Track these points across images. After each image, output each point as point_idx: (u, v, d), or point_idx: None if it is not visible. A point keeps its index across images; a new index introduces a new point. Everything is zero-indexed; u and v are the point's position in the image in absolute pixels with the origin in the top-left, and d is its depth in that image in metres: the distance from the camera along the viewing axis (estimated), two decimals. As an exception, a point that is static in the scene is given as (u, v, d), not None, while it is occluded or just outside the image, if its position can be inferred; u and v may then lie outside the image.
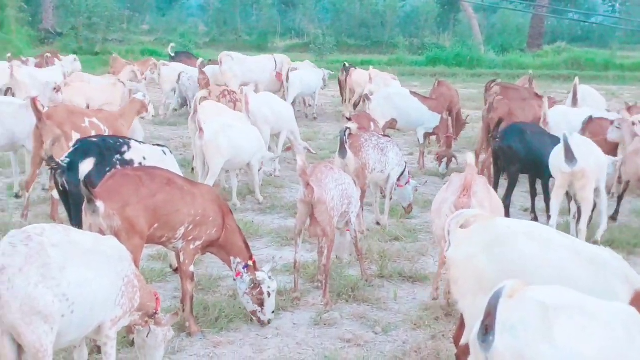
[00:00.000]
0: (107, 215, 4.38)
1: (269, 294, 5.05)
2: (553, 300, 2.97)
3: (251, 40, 38.41)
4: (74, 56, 16.34)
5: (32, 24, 31.48)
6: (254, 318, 5.13)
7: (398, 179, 7.55)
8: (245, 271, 5.08)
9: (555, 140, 7.90)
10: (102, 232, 4.38)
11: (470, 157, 5.25)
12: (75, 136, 7.34)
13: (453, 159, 10.35)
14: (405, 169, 7.61)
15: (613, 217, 7.95)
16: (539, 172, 7.74)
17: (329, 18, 44.87)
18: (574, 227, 7.03)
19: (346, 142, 6.93)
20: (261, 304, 5.06)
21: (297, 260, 5.53)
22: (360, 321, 5.28)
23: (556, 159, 6.58)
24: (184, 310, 5.04)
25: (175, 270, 5.86)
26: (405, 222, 7.83)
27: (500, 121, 8.09)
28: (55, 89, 10.26)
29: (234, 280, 5.19)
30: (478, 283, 3.91)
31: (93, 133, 7.29)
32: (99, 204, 4.33)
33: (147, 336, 4.03)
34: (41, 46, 28.62)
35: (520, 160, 7.62)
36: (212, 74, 14.04)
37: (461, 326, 4.26)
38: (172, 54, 17.62)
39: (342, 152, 6.93)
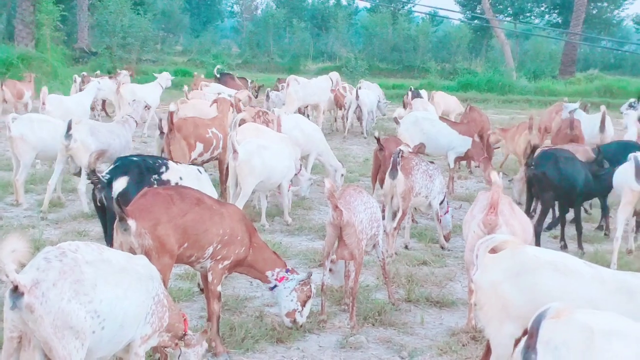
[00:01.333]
0: (139, 234, 4.42)
1: (314, 294, 5.20)
2: (601, 325, 2.98)
3: (283, 63, 38.81)
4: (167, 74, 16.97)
5: (67, 43, 32.20)
6: (289, 320, 5.13)
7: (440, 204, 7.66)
8: (290, 274, 5.16)
9: (586, 167, 7.90)
10: (132, 251, 4.42)
11: (495, 176, 5.24)
12: (199, 146, 8.69)
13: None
14: (445, 197, 7.72)
15: None
16: (571, 199, 7.74)
17: (361, 42, 45.25)
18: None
19: (398, 164, 7.04)
20: (304, 303, 5.14)
21: (324, 282, 5.54)
22: (386, 345, 5.25)
23: (624, 177, 7.11)
24: (210, 330, 5.07)
25: (202, 290, 5.90)
26: (433, 247, 7.80)
27: (535, 148, 8.05)
28: (146, 107, 11.47)
29: (273, 289, 5.17)
30: (504, 310, 3.91)
31: (214, 142, 8.93)
32: (131, 222, 4.37)
33: (178, 358, 4.06)
34: (76, 65, 29.27)
35: (554, 187, 7.60)
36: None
37: (487, 352, 4.23)
38: (218, 75, 18.04)
39: (393, 173, 7.14)
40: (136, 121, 9.67)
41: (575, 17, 33.24)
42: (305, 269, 6.79)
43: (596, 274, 3.88)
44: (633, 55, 41.45)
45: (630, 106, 15.22)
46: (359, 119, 16.75)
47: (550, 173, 7.59)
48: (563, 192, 7.65)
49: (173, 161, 6.44)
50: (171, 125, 8.48)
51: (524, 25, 46.50)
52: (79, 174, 8.74)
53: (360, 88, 17.13)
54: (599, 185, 7.90)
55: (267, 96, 17.23)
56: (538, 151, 8.11)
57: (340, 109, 17.15)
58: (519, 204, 9.17)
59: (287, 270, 5.21)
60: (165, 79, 16.34)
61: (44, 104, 11.77)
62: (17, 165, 9.03)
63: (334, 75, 17.30)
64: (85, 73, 16.75)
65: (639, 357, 2.89)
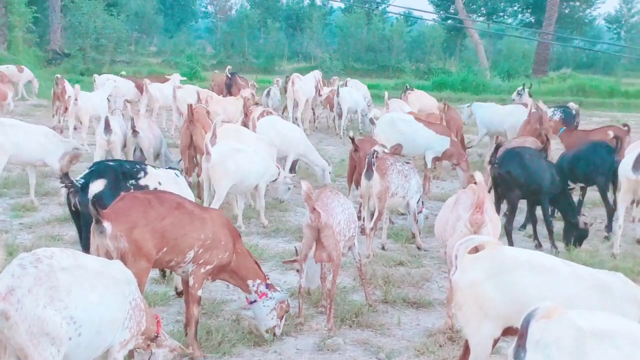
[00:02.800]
0: (114, 236, 4.40)
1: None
2: (592, 325, 3.01)
3: (258, 63, 38.66)
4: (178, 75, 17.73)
5: (39, 44, 31.75)
6: (268, 335, 5.20)
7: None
8: (270, 290, 5.19)
9: (550, 165, 7.98)
10: (108, 254, 4.40)
11: (478, 175, 5.29)
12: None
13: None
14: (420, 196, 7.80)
15: None
16: (538, 197, 7.79)
17: (335, 42, 45.23)
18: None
19: (373, 165, 7.07)
20: (282, 317, 5.24)
21: (301, 285, 5.54)
22: (363, 347, 5.26)
23: (623, 167, 7.62)
24: (186, 335, 5.04)
25: (179, 294, 5.87)
26: (409, 247, 7.83)
27: (498, 146, 8.10)
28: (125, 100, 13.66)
29: (252, 303, 5.19)
30: (482, 310, 3.94)
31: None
32: (107, 225, 4.35)
33: (148, 359, 4.04)
34: (48, 67, 28.88)
35: (519, 185, 7.63)
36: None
37: (466, 352, 4.26)
38: (229, 75, 18.14)
39: (369, 174, 7.19)
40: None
41: (547, 17, 33.58)
42: (282, 271, 6.82)
43: (573, 271, 3.92)
44: (605, 54, 42.03)
45: (518, 94, 16.76)
46: (339, 116, 16.80)
47: (515, 171, 7.62)
48: (528, 190, 7.70)
49: (151, 166, 6.37)
50: (192, 116, 9.51)
51: (497, 25, 46.91)
52: None
53: (344, 86, 17.22)
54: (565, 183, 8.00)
55: (267, 93, 17.59)
56: (501, 149, 8.15)
57: (331, 109, 17.28)
58: None
59: (267, 285, 5.21)
60: (177, 79, 16.86)
61: (76, 99, 12.88)
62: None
63: (317, 73, 17.72)
64: (58, 75, 16.48)
65: (629, 357, 2.92)
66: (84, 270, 3.45)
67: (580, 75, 34.18)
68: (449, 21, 42.66)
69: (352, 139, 8.63)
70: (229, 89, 17.67)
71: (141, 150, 9.79)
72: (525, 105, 13.33)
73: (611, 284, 3.81)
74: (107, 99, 14.33)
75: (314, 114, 18.15)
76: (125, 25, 35.17)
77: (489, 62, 36.24)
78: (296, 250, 5.94)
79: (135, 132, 9.64)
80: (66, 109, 15.67)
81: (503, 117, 13.16)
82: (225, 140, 8.49)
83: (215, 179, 7.84)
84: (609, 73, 38.48)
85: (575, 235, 7.85)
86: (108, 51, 31.00)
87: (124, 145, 9.97)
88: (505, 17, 50.95)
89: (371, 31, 40.50)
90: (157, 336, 4.02)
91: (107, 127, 9.53)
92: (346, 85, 18.31)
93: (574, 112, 13.42)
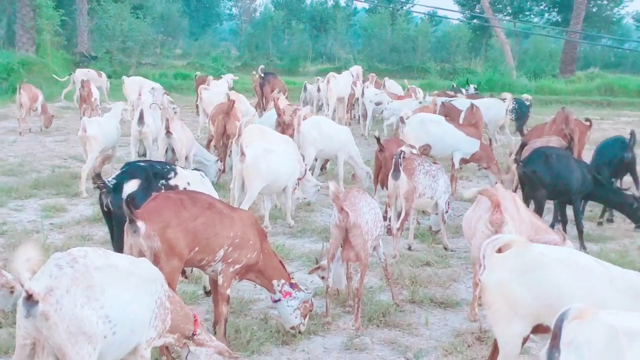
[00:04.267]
0: (148, 235, 4.47)
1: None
2: (626, 325, 2.99)
3: (282, 65, 38.78)
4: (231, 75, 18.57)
5: (67, 47, 32.19)
6: (294, 331, 5.27)
7: None
8: (294, 289, 5.24)
9: (581, 164, 7.90)
10: (142, 253, 4.47)
11: (504, 177, 5.31)
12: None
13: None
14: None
15: None
16: (568, 196, 7.71)
17: (360, 43, 45.21)
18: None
19: (401, 165, 7.07)
20: (306, 316, 5.29)
21: (329, 284, 5.55)
22: (391, 346, 5.27)
23: None
24: (215, 333, 5.09)
25: (207, 293, 5.93)
26: (436, 248, 7.82)
27: (523, 145, 8.04)
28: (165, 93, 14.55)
29: (276, 302, 5.26)
30: (512, 309, 3.94)
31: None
32: (140, 224, 4.42)
33: (186, 358, 4.08)
34: (76, 69, 29.25)
35: (544, 185, 7.56)
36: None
37: (494, 351, 4.25)
38: (262, 74, 18.34)
39: (396, 174, 7.19)
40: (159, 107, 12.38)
41: (575, 16, 33.20)
42: (307, 271, 6.83)
43: (605, 271, 3.89)
44: (633, 53, 41.46)
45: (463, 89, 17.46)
46: (364, 116, 16.83)
47: (540, 171, 7.56)
48: (555, 190, 7.63)
49: (180, 166, 6.45)
50: (229, 110, 11.02)
51: (523, 24, 46.48)
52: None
53: (367, 86, 17.26)
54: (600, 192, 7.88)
55: (305, 88, 18.05)
56: (527, 148, 8.08)
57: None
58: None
59: (291, 285, 5.26)
60: (230, 78, 17.78)
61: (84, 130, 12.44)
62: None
63: (355, 69, 17.92)
64: (84, 78, 16.72)
65: None
66: (116, 269, 3.50)
67: (608, 74, 33.77)
68: (475, 20, 42.34)
69: (378, 139, 8.63)
70: (262, 88, 17.78)
71: (173, 150, 9.99)
72: (504, 99, 13.92)
73: None
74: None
75: (351, 112, 18.19)
76: (151, 28, 35.51)
77: (515, 62, 35.92)
78: (316, 259, 5.99)
79: (168, 132, 9.83)
80: (93, 110, 15.98)
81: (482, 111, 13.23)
82: (251, 141, 8.55)
83: (249, 180, 7.95)
84: (638, 72, 37.94)
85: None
86: (134, 54, 31.30)
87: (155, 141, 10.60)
88: (532, 16, 50.44)
89: (395, 31, 40.40)
90: (194, 334, 4.06)
91: (141, 119, 10.53)
92: (384, 85, 18.33)
93: (527, 103, 13.95)
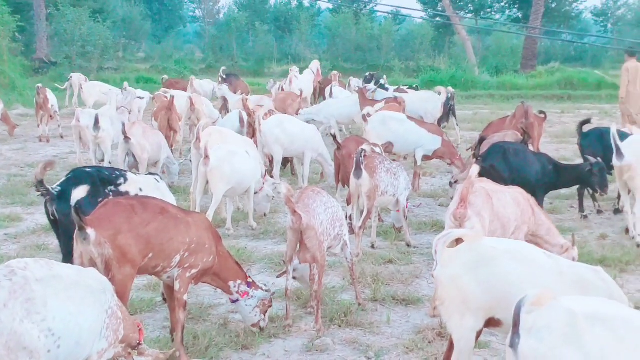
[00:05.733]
0: (98, 243, 4.35)
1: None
2: (585, 309, 3.01)
3: (248, 66, 38.58)
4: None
5: (25, 53, 31.55)
6: (254, 328, 5.26)
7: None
8: (251, 288, 5.19)
9: (540, 158, 7.94)
10: (92, 261, 4.35)
11: (474, 169, 5.30)
12: None
13: None
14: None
15: None
16: (528, 189, 7.73)
17: (325, 43, 45.17)
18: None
19: (362, 163, 7.02)
20: (266, 312, 5.27)
21: (288, 287, 5.48)
22: (352, 346, 5.21)
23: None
24: (173, 341, 4.99)
25: (166, 300, 5.80)
26: (399, 245, 7.79)
27: (481, 140, 8.06)
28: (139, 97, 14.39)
29: (235, 302, 5.21)
30: (464, 303, 3.92)
31: None
32: (90, 231, 4.30)
33: None
34: (35, 76, 28.70)
35: (504, 179, 7.58)
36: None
37: (451, 347, 4.22)
38: (224, 76, 18.20)
39: (358, 173, 7.14)
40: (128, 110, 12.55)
41: (534, 12, 33.60)
42: (270, 274, 6.77)
43: (555, 264, 3.91)
44: (593, 47, 42.07)
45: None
46: None
47: (499, 166, 7.58)
48: (514, 184, 7.65)
49: (131, 172, 6.32)
50: (171, 106, 11.74)
51: (484, 21, 46.88)
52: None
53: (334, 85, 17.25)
54: (561, 177, 7.93)
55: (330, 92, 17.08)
56: (485, 143, 8.12)
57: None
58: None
59: (249, 284, 5.20)
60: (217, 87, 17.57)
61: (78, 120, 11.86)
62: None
63: (314, 64, 17.86)
64: (39, 85, 16.36)
65: (622, 340, 2.91)
66: (60, 280, 3.38)
67: (568, 68, 34.24)
68: (437, 19, 42.61)
69: (334, 137, 8.60)
70: None
71: (134, 156, 9.83)
72: (439, 92, 14.40)
73: (590, 280, 3.80)
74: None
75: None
76: (113, 31, 35.00)
77: (477, 59, 36.24)
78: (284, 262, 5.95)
79: (127, 138, 9.66)
80: (50, 117, 15.67)
81: (419, 104, 13.96)
82: (211, 143, 8.45)
83: (214, 183, 7.90)
84: (597, 66, 38.51)
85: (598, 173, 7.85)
86: (95, 58, 30.86)
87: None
88: (493, 13, 50.95)
89: (360, 31, 40.44)
90: (139, 344, 3.95)
91: (97, 124, 10.49)
92: (350, 85, 18.36)
93: (449, 95, 14.22)
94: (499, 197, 5.62)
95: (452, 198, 9.62)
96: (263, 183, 8.64)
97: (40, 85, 16.16)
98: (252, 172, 8.31)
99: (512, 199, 5.71)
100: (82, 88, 17.95)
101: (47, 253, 7.26)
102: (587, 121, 9.55)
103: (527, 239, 5.59)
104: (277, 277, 6.03)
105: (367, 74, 19.10)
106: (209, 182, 7.94)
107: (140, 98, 14.08)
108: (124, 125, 10.01)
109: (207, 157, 7.81)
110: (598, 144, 8.67)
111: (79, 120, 11.03)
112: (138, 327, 3.99)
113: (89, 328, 3.46)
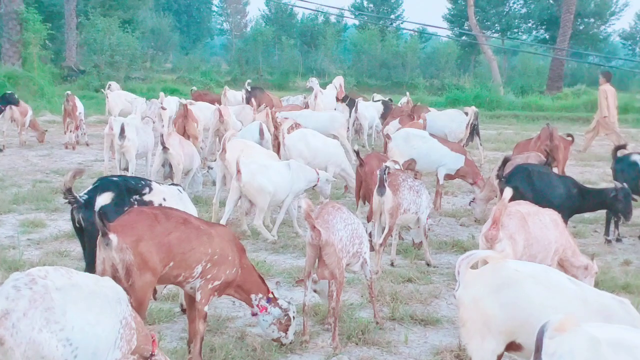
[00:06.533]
0: (120, 248, 4.39)
1: (293, 318, 5.26)
2: (610, 336, 2.96)
3: (273, 80, 38.81)
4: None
5: (55, 61, 32.04)
6: (276, 342, 5.26)
7: None
8: (270, 304, 5.18)
9: (565, 181, 7.85)
10: (114, 267, 4.40)
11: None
12: None
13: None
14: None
15: None
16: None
17: (349, 59, 45.35)
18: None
19: (386, 181, 7.03)
20: (286, 330, 5.23)
21: (305, 303, 5.45)
22: (369, 365, 5.17)
23: None
24: (189, 352, 4.99)
25: (184, 311, 5.82)
26: (418, 264, 7.74)
27: (506, 160, 8.02)
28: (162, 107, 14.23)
29: (254, 315, 5.23)
30: (485, 326, 3.88)
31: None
32: (112, 236, 4.35)
33: None
34: (64, 83, 29.15)
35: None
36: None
37: (470, 370, 4.17)
38: (249, 89, 18.31)
39: (381, 190, 7.14)
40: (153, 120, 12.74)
41: (562, 33, 33.43)
42: (289, 288, 6.75)
43: (580, 291, 3.85)
44: (620, 70, 41.71)
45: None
46: (357, 132, 16.89)
47: (523, 188, 7.51)
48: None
49: (155, 182, 6.37)
50: (187, 113, 12.26)
51: (511, 41, 46.79)
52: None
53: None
54: (585, 201, 7.81)
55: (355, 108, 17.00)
56: (509, 164, 8.06)
57: None
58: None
59: (269, 300, 5.20)
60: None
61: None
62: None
63: (338, 80, 17.85)
64: (69, 92, 16.56)
65: None
66: (79, 289, 3.39)
67: (594, 91, 33.91)
68: (463, 37, 42.62)
69: (357, 153, 8.58)
70: (248, 103, 17.75)
71: (170, 166, 9.97)
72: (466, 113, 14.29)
73: (615, 310, 3.73)
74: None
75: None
76: (141, 42, 35.50)
77: (503, 79, 36.11)
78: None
79: (165, 148, 9.81)
80: (77, 126, 15.86)
81: (443, 122, 13.95)
82: (233, 155, 8.58)
83: (252, 196, 8.23)
84: (624, 89, 38.15)
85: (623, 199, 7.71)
86: (122, 68, 31.23)
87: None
88: (520, 33, 50.85)
89: (385, 47, 40.58)
90: (152, 355, 3.94)
91: (122, 133, 10.61)
92: (373, 100, 18.40)
93: (393, 106, 14.70)
94: (539, 219, 5.60)
95: (475, 220, 9.70)
96: (317, 178, 8.90)
97: (69, 92, 16.36)
98: (286, 184, 8.43)
99: (551, 221, 5.68)
100: (107, 97, 18.11)
101: (69, 260, 7.32)
102: (623, 146, 9.44)
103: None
104: (296, 283, 6.00)
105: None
106: (248, 196, 8.22)
107: (164, 109, 14.14)
108: (162, 135, 10.12)
109: (239, 172, 7.97)
110: (631, 170, 8.55)
111: (112, 128, 11.14)
112: (152, 338, 3.98)
113: (105, 338, 3.46)
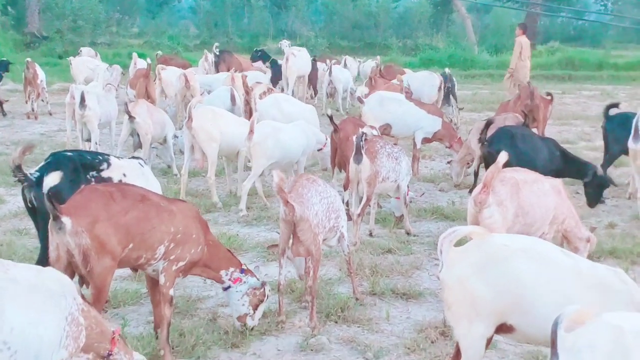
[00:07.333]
0: (75, 232, 4.02)
1: (267, 297, 4.95)
2: (632, 324, 2.67)
3: (242, 43, 37.96)
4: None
5: (17, 27, 30.93)
6: (239, 322, 4.89)
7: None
8: (244, 275, 4.84)
9: (547, 144, 7.56)
10: (70, 253, 4.04)
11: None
12: None
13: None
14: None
15: None
16: None
17: (321, 20, 44.53)
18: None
19: (363, 148, 6.66)
20: (256, 306, 4.88)
21: (281, 282, 5.10)
22: (350, 345, 4.87)
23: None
24: (157, 338, 4.65)
25: (151, 294, 5.46)
26: (398, 233, 7.44)
27: (489, 123, 7.70)
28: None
29: (226, 290, 4.87)
30: (473, 308, 3.57)
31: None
32: (65, 219, 3.98)
33: None
34: (27, 50, 28.13)
35: (509, 166, 7.21)
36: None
37: (457, 354, 3.88)
38: (217, 53, 17.62)
39: (358, 158, 6.77)
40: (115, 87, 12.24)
41: (535, -11, 33.03)
42: (263, 262, 6.42)
43: (574, 264, 3.55)
44: (593, 26, 41.56)
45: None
46: (331, 95, 16.46)
47: (506, 151, 7.17)
48: None
49: (114, 156, 5.94)
50: (148, 73, 12.86)
51: (483, -2, 46.20)
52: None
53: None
54: (567, 166, 7.53)
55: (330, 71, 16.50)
56: (492, 127, 7.76)
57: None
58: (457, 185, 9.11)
59: (242, 271, 4.85)
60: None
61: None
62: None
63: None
64: (29, 59, 15.85)
65: None
66: (16, 284, 2.98)
67: (568, 48, 33.77)
68: (436, -5, 42.03)
69: (331, 118, 8.18)
70: (217, 67, 17.17)
71: (139, 135, 9.51)
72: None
73: (611, 282, 3.45)
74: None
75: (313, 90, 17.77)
76: (106, 6, 34.38)
77: (476, 37, 35.75)
78: None
79: (131, 117, 9.35)
80: (38, 94, 15.22)
81: (416, 86, 13.43)
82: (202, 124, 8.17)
83: (255, 157, 8.01)
84: (597, 45, 38.08)
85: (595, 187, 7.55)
86: (86, 33, 30.24)
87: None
88: (492, -10, 50.29)
89: (357, 8, 39.88)
90: (109, 354, 3.56)
91: (82, 102, 9.85)
92: (345, 63, 17.95)
93: (446, 77, 14.01)
94: (538, 187, 5.35)
95: (455, 185, 9.41)
96: (325, 143, 8.81)
97: (29, 59, 15.65)
98: (299, 146, 8.29)
99: (551, 187, 5.42)
100: (71, 63, 17.40)
101: (29, 238, 6.90)
102: (615, 105, 9.18)
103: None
104: (268, 247, 5.62)
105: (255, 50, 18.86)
106: (252, 156, 8.04)
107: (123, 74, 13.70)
108: (126, 104, 9.61)
109: (252, 131, 7.83)
110: (622, 129, 8.30)
111: (74, 97, 10.39)
112: (113, 334, 3.58)
113: (48, 338, 3.06)
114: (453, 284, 3.61)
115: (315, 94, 17.72)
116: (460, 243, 3.72)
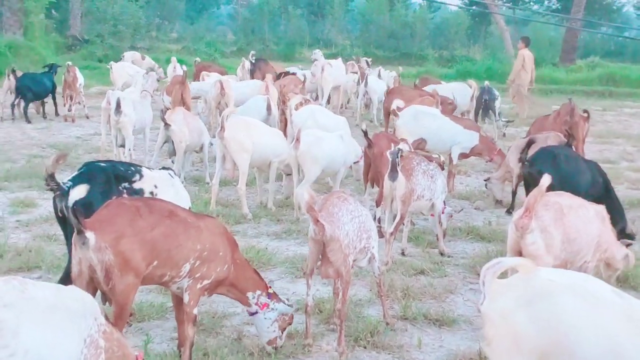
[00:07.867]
0: (98, 248, 3.90)
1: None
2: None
3: (279, 50, 38.06)
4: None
5: (60, 30, 31.42)
6: (270, 346, 4.76)
7: None
8: (272, 300, 4.72)
9: (590, 165, 7.24)
10: (92, 269, 3.92)
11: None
12: None
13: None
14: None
15: None
16: None
17: (357, 29, 44.47)
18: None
19: (398, 165, 6.49)
20: (284, 329, 4.78)
21: (308, 303, 4.91)
22: (379, 373, 4.68)
23: None
24: (180, 357, 4.52)
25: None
26: (431, 252, 7.21)
27: (530, 142, 7.44)
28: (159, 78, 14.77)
29: (253, 315, 4.73)
30: (515, 344, 3.34)
31: None
32: (89, 234, 3.86)
33: None
34: (68, 53, 28.53)
35: (551, 187, 6.91)
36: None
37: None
38: (253, 61, 17.61)
39: (393, 175, 6.58)
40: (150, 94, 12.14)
41: (576, 3, 32.44)
42: (291, 279, 6.27)
43: (626, 306, 3.29)
44: (633, 42, 40.67)
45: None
46: (366, 106, 16.35)
47: (547, 172, 6.87)
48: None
49: (146, 167, 5.84)
50: (184, 80, 12.57)
51: (523, 11, 45.66)
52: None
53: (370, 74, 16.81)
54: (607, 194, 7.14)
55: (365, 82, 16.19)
56: (533, 147, 7.50)
57: None
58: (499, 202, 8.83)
59: (269, 296, 4.70)
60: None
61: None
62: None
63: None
64: (69, 63, 16.01)
65: None
66: (35, 303, 2.83)
67: (608, 63, 33.07)
68: (474, 7, 41.61)
69: (365, 133, 7.99)
70: (252, 75, 17.11)
71: (173, 143, 9.54)
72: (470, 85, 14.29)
73: None
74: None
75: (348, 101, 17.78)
76: (146, 11, 34.77)
77: (514, 50, 35.21)
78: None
79: (167, 125, 9.37)
80: (73, 97, 15.37)
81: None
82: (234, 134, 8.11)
83: (306, 165, 8.18)
84: (638, 61, 37.26)
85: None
86: (126, 37, 30.58)
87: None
88: (532, 3, 49.72)
89: (394, 17, 39.70)
90: None
91: (118, 108, 9.94)
92: (379, 75, 17.81)
93: (484, 88, 14.14)
94: (583, 213, 5.13)
95: (496, 202, 9.14)
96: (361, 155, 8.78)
97: (69, 63, 15.81)
98: (340, 156, 8.46)
99: (596, 213, 5.20)
100: (111, 68, 17.53)
101: (58, 245, 6.83)
102: None
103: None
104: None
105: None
106: (301, 165, 8.20)
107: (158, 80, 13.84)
108: (162, 111, 9.61)
109: (298, 140, 8.08)
110: None
111: (110, 102, 10.28)
112: (136, 359, 3.43)
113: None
114: (495, 318, 3.39)
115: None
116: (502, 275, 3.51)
